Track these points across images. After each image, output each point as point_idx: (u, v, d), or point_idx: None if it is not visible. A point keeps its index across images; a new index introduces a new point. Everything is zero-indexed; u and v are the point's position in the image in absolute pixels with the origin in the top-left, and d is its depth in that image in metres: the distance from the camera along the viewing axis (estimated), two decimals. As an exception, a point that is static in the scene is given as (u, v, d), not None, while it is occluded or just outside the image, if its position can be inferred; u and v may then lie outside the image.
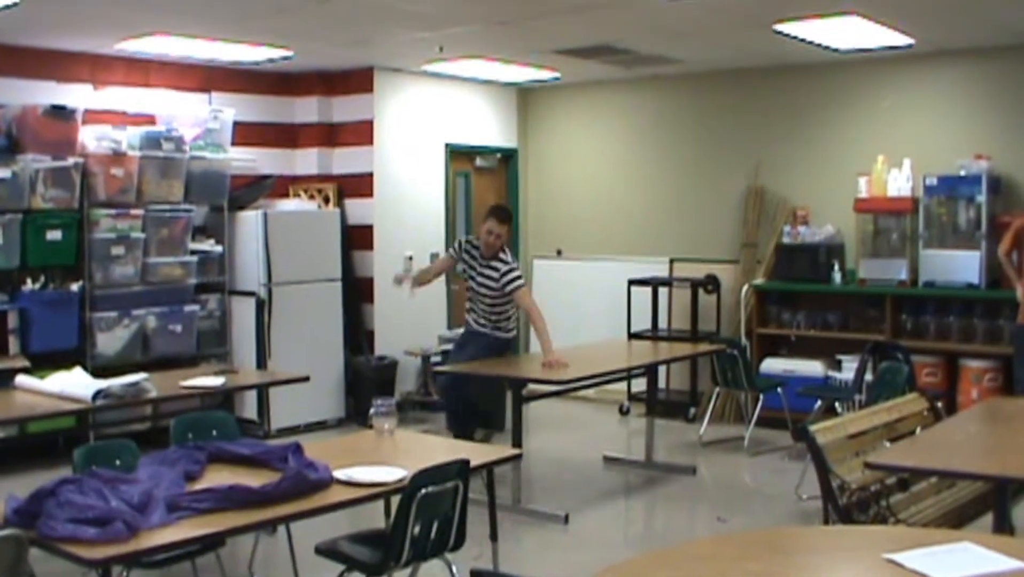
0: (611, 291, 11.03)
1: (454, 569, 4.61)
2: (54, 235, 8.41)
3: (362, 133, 10.54)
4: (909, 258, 9.41)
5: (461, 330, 9.09)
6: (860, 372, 8.47)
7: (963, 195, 9.14)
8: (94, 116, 8.90)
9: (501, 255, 8.05)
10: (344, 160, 10.70)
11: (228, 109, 9.78)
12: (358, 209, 10.58)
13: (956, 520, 5.25)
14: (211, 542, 4.51)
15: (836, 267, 9.72)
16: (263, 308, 9.60)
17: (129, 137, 8.86)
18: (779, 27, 8.17)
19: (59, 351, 8.31)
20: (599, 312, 11.18)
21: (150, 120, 9.39)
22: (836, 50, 9.16)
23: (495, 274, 8.00)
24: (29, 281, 8.35)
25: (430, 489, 4.25)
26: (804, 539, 3.89)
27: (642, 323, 10.71)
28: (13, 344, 8.33)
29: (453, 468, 4.39)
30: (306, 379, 7.26)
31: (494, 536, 5.05)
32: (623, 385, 10.33)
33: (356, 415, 10.02)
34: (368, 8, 7.61)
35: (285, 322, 9.72)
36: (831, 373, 9.68)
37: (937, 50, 9.42)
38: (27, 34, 8.30)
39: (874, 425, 5.58)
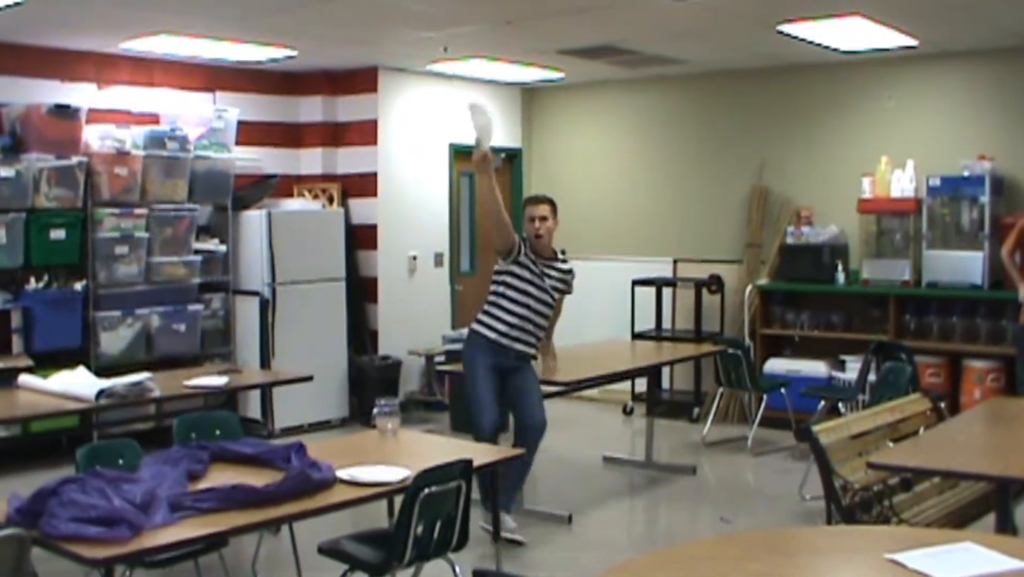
0: (615, 291, 11.03)
1: (457, 569, 4.62)
2: (58, 234, 8.41)
3: (366, 133, 10.54)
4: (912, 259, 9.41)
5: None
6: (863, 372, 8.47)
7: (966, 196, 9.14)
8: (98, 115, 8.91)
9: (560, 255, 6.95)
10: (348, 160, 10.70)
11: (232, 108, 9.79)
12: (362, 209, 10.58)
13: (959, 520, 5.25)
14: (214, 542, 4.51)
15: (840, 267, 9.72)
16: (267, 308, 9.60)
17: (133, 136, 8.87)
18: (783, 28, 8.16)
19: (63, 350, 8.32)
20: (603, 312, 11.17)
21: (154, 119, 9.39)
22: (840, 51, 9.16)
23: (561, 276, 6.86)
24: (33, 280, 8.36)
25: (433, 489, 4.25)
26: (807, 539, 3.89)
27: (646, 323, 10.71)
28: (17, 343, 8.34)
29: (456, 468, 4.39)
30: (310, 379, 7.26)
31: (497, 536, 5.05)
32: (627, 385, 10.33)
33: (360, 415, 10.02)
34: (372, 8, 7.62)
35: (289, 322, 9.73)
36: (835, 373, 9.67)
37: (941, 51, 9.41)
38: (32, 33, 8.31)
39: (877, 425, 5.58)
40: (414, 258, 10.82)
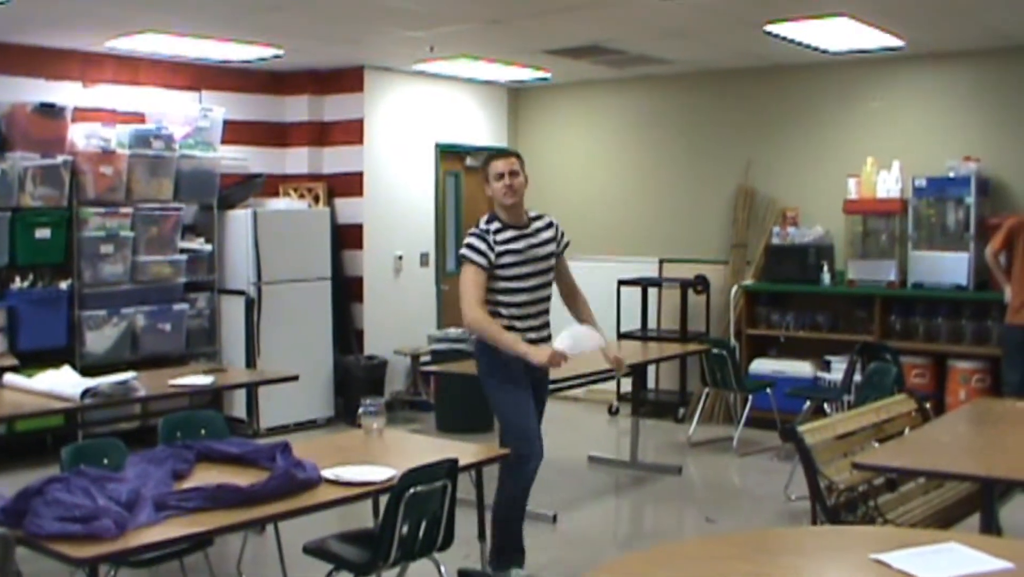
0: (601, 291, 10.94)
1: (442, 569, 4.61)
2: (43, 233, 8.39)
3: (352, 132, 10.53)
4: (898, 259, 9.43)
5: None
6: (849, 373, 8.49)
7: (952, 197, 9.17)
8: (83, 114, 8.89)
9: (533, 213, 5.93)
10: (334, 159, 10.69)
11: (218, 108, 9.77)
12: (348, 208, 10.57)
13: (944, 520, 5.26)
14: (199, 541, 4.50)
15: (825, 268, 9.74)
16: (252, 307, 9.58)
17: (119, 135, 8.84)
18: (770, 28, 8.18)
19: (48, 350, 8.30)
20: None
21: (140, 118, 9.37)
22: (827, 51, 9.18)
23: (549, 234, 5.87)
24: (18, 279, 8.33)
25: (418, 488, 4.25)
26: (792, 539, 3.90)
27: (631, 323, 10.71)
28: (1, 342, 8.30)
29: (441, 468, 4.39)
30: (295, 378, 7.25)
31: (482, 536, 5.05)
32: (613, 385, 10.34)
33: (345, 414, 10.01)
34: (359, 6, 7.61)
35: (274, 321, 9.71)
36: (820, 374, 9.69)
37: (927, 52, 9.44)
38: (17, 31, 8.28)
39: (862, 426, 5.59)
40: (400, 258, 10.81)
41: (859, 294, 9.59)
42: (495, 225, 5.69)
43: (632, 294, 10.71)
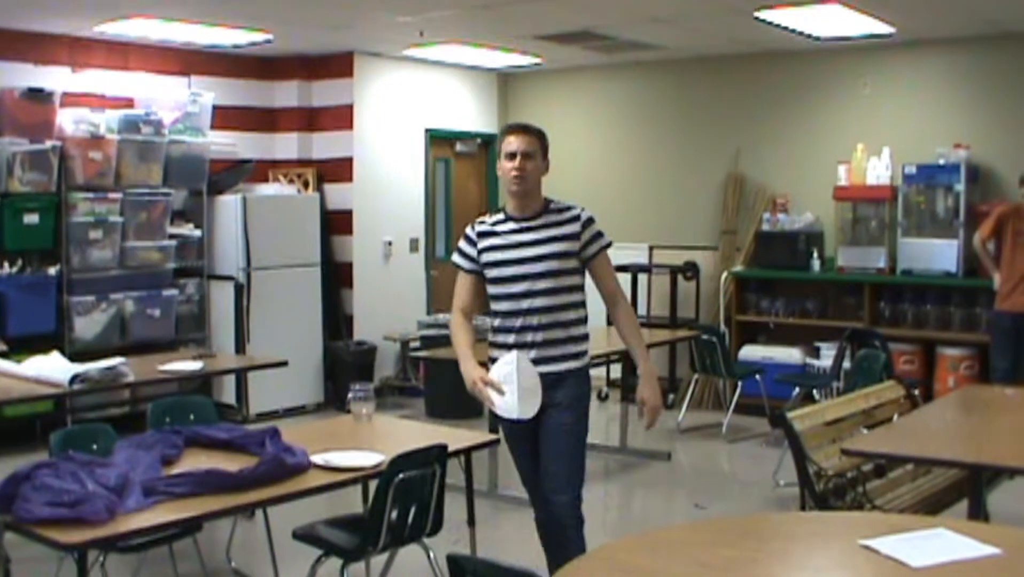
0: (590, 277, 11.00)
1: (432, 554, 4.61)
2: (31, 219, 8.36)
3: (342, 118, 10.51)
4: (887, 246, 9.44)
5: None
6: (838, 359, 8.51)
7: (942, 184, 9.18)
8: (72, 99, 8.85)
9: (554, 204, 4.93)
10: (324, 145, 10.67)
11: (207, 93, 9.74)
12: (337, 194, 10.56)
13: (932, 507, 5.28)
14: (188, 527, 4.51)
15: (815, 255, 9.75)
16: (242, 293, 9.57)
17: (108, 120, 8.81)
18: (760, 14, 8.17)
19: (36, 335, 8.27)
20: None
21: (129, 103, 9.34)
22: (817, 38, 9.18)
23: (568, 230, 4.84)
24: (6, 265, 8.31)
25: (408, 474, 4.25)
26: (781, 525, 3.90)
27: (621, 309, 10.69)
28: (-10, 328, 8.30)
29: (431, 453, 4.39)
30: (284, 364, 7.24)
31: (471, 521, 5.05)
32: (602, 371, 10.34)
33: (334, 400, 10.01)
34: (348, -8, 7.60)
35: (264, 307, 9.70)
36: (809, 360, 9.71)
37: (917, 39, 9.44)
38: (5, 15, 8.24)
39: (851, 412, 5.60)
40: (389, 243, 10.80)
41: (848, 281, 9.61)
42: (496, 217, 4.90)
43: (622, 280, 10.58)
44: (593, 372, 9.35)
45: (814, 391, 8.85)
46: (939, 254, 9.15)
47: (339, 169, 10.54)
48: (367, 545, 4.33)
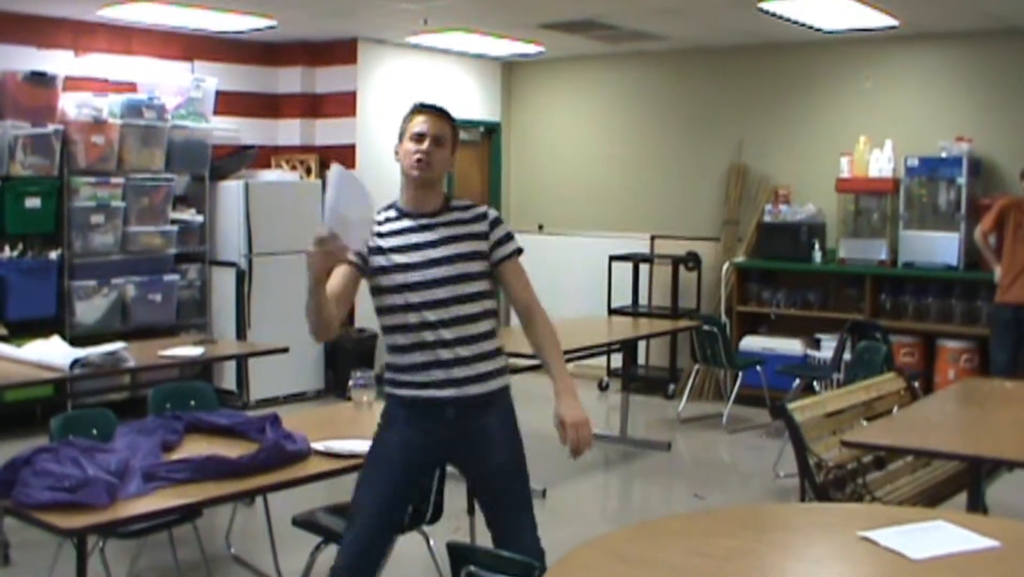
0: (592, 267, 11.02)
1: (431, 542, 4.62)
2: (33, 203, 8.35)
3: (345, 104, 10.50)
4: (889, 238, 9.44)
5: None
6: (839, 351, 8.51)
7: (944, 177, 9.18)
8: (75, 83, 8.84)
9: (456, 201, 4.09)
10: (327, 131, 10.66)
11: (211, 78, 9.72)
12: (340, 181, 10.53)
13: (931, 499, 5.29)
14: (188, 513, 4.51)
15: (817, 246, 9.74)
16: (243, 279, 9.57)
17: (110, 105, 8.80)
18: (764, 5, 8.16)
19: (37, 319, 8.27)
20: (580, 287, 11.17)
21: (131, 88, 9.33)
22: (821, 30, 9.16)
23: (476, 228, 4.01)
24: (8, 249, 8.29)
25: (408, 462, 4.23)
26: (780, 516, 3.91)
27: (622, 299, 10.72)
28: (-9, 312, 8.30)
29: (431, 441, 4.37)
30: (285, 350, 7.24)
31: (471, 510, 5.06)
32: (603, 361, 10.35)
33: (335, 387, 10.01)
34: (352, -21, 7.58)
35: (265, 293, 9.70)
36: (810, 352, 9.71)
37: (921, 32, 9.42)
38: (8, -1, 8.25)
39: (852, 404, 5.61)
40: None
41: (850, 273, 9.60)
42: (385, 213, 4.08)
43: (623, 270, 10.71)
44: (593, 361, 9.53)
45: (814, 382, 8.84)
46: (940, 247, 9.15)
47: (342, 156, 10.51)
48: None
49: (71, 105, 8.57)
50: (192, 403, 5.36)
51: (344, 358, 9.99)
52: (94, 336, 7.91)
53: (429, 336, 3.86)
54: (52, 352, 6.19)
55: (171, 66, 9.72)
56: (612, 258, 10.68)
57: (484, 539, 3.79)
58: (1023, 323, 8.17)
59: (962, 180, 9.06)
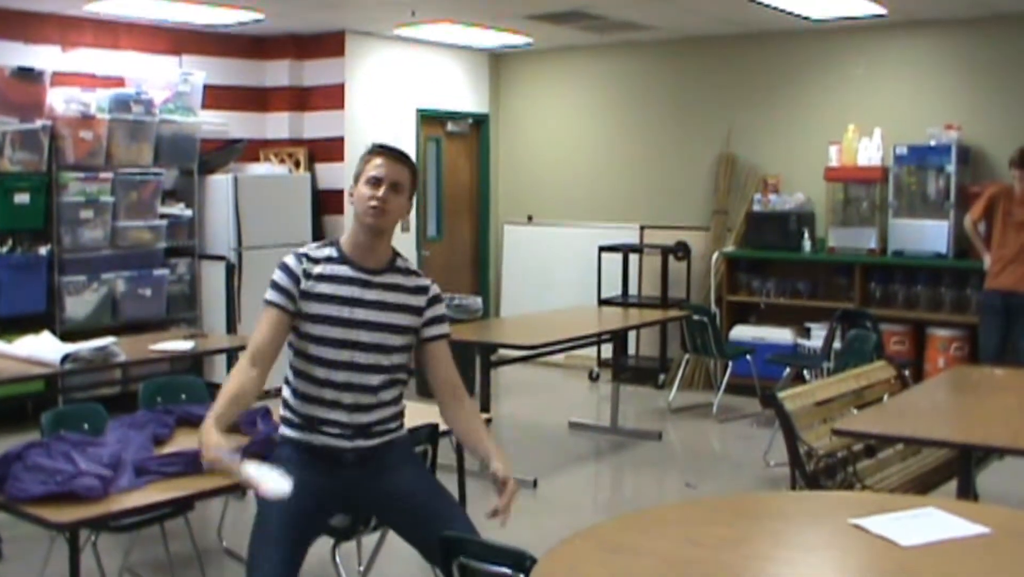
0: (581, 257, 11.03)
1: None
2: (22, 198, 8.33)
3: (333, 97, 10.48)
4: (878, 227, 9.45)
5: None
6: (829, 340, 8.54)
7: (933, 165, 9.19)
8: (62, 78, 8.81)
9: (401, 261, 4.02)
10: (315, 124, 10.65)
11: (198, 72, 9.70)
12: (329, 173, 10.54)
13: (921, 486, 5.31)
14: (180, 506, 4.51)
15: (806, 235, 9.75)
16: (233, 272, 9.56)
17: (98, 100, 8.78)
18: (752, -6, 8.17)
19: (27, 315, 8.25)
20: (569, 278, 11.19)
21: (119, 83, 9.31)
22: (809, 18, 9.16)
23: (414, 301, 3.92)
24: (-4, 244, 8.30)
25: (399, 454, 4.23)
26: (771, 504, 3.92)
27: (612, 289, 10.73)
28: (-20, 308, 8.28)
29: (422, 432, 4.39)
30: (276, 344, 7.22)
31: (463, 501, 5.07)
32: (593, 351, 10.36)
33: (326, 380, 9.99)
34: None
35: (255, 286, 9.64)
36: (800, 341, 9.73)
37: (910, 20, 9.43)
38: (-6, -6, 8.22)
39: (842, 392, 5.62)
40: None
41: (839, 261, 9.62)
42: (327, 252, 3.93)
43: (613, 260, 10.72)
44: (583, 352, 9.55)
45: (805, 371, 8.85)
46: (930, 235, 9.16)
47: (330, 148, 10.52)
48: (358, 524, 4.34)
49: (59, 100, 8.55)
50: (183, 397, 5.35)
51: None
52: (84, 331, 7.89)
53: (329, 395, 3.78)
54: (42, 347, 6.18)
55: (159, 60, 9.69)
56: (601, 248, 10.69)
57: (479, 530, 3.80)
58: (1012, 309, 8.19)
59: (951, 168, 9.08)
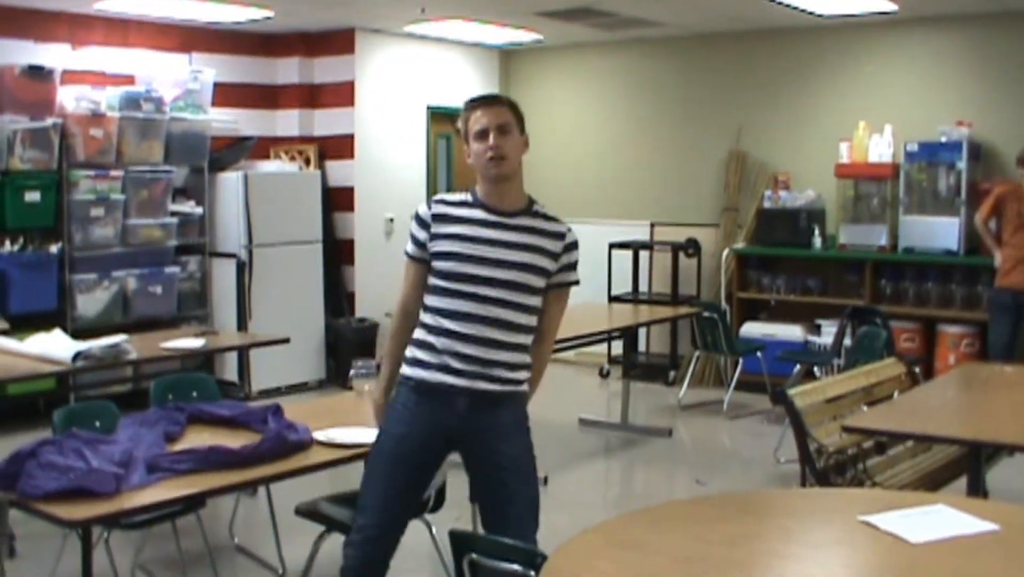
0: (592, 254, 10.87)
1: (434, 530, 4.64)
2: (33, 196, 8.36)
3: (343, 94, 10.49)
4: (889, 224, 9.43)
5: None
6: (839, 337, 8.52)
7: (943, 161, 9.17)
8: (73, 76, 8.83)
9: (539, 207, 4.02)
10: (325, 121, 10.66)
11: (208, 70, 9.72)
12: (339, 171, 10.55)
13: (931, 483, 5.30)
14: (192, 503, 4.52)
15: (816, 232, 9.73)
16: (243, 270, 9.58)
17: (108, 98, 8.80)
18: (762, -9, 8.16)
19: (39, 313, 8.27)
20: (580, 275, 11.14)
21: (129, 80, 9.32)
22: (820, 15, 9.15)
23: (550, 246, 3.98)
24: (7, 243, 8.29)
25: (410, 451, 4.24)
26: (781, 501, 3.92)
27: (623, 286, 10.72)
28: (-8, 306, 8.31)
29: (433, 430, 4.39)
30: (286, 341, 7.24)
31: (473, 498, 5.07)
32: (604, 348, 10.36)
33: (336, 377, 10.02)
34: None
35: (266, 284, 9.71)
36: (810, 337, 9.72)
37: (920, 16, 9.41)
38: (5, -8, 8.24)
39: (852, 389, 5.62)
40: (391, 220, 10.79)
41: (850, 258, 9.61)
42: (461, 197, 3.98)
43: (623, 257, 10.71)
44: (594, 349, 9.55)
45: (815, 368, 8.85)
46: (940, 232, 9.14)
47: (340, 146, 10.53)
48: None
49: (69, 98, 8.57)
50: (194, 394, 5.38)
51: (345, 348, 10.00)
52: (95, 329, 7.91)
53: (459, 328, 3.81)
54: (54, 345, 6.20)
55: (168, 58, 9.71)
56: (612, 245, 10.68)
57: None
58: (1022, 307, 8.18)
59: (962, 165, 9.06)
